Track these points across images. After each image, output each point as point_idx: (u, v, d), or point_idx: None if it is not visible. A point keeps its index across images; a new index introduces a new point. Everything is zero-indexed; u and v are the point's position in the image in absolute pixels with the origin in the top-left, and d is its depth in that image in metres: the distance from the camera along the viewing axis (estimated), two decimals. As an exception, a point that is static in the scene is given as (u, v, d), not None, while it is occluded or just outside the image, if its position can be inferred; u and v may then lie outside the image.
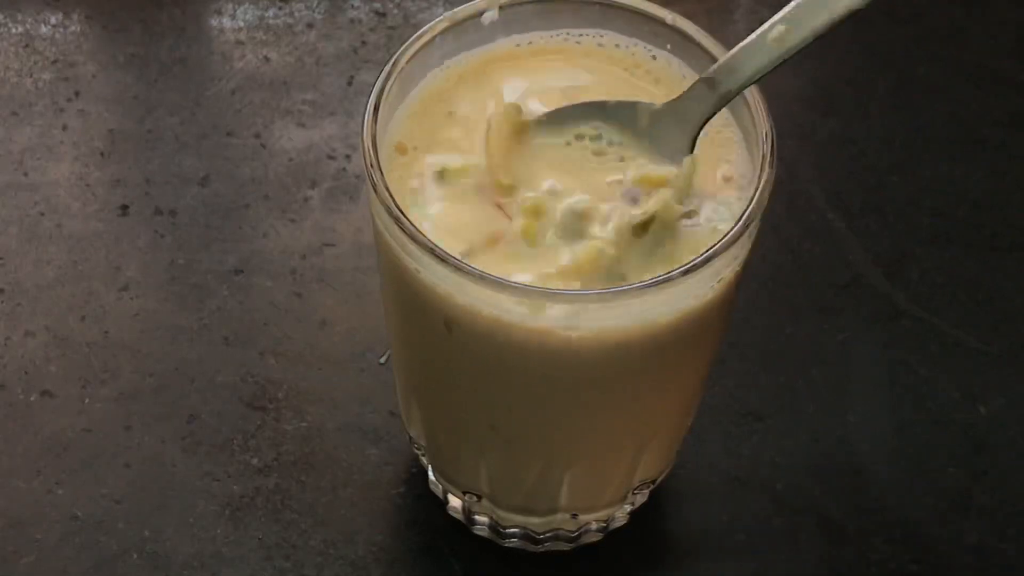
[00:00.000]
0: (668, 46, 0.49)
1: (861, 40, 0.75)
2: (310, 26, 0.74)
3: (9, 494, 0.58)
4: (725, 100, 0.46)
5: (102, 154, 0.69)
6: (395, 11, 0.75)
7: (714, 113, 0.46)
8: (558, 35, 0.50)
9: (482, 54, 0.50)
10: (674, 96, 0.47)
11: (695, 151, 0.46)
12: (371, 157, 0.45)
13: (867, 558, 0.56)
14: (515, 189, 0.46)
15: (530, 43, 0.50)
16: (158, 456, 0.59)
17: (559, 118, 0.48)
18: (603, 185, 0.46)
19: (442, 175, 0.47)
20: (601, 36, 0.50)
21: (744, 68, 0.45)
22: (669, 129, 0.47)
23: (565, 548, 0.56)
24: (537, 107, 0.48)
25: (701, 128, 0.46)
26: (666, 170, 0.46)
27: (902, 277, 0.65)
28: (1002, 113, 0.71)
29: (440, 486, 0.57)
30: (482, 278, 0.42)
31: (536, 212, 0.45)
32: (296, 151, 0.69)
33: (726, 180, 0.47)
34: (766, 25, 0.44)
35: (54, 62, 0.73)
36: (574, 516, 0.54)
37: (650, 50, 0.50)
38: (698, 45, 0.48)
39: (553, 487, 0.52)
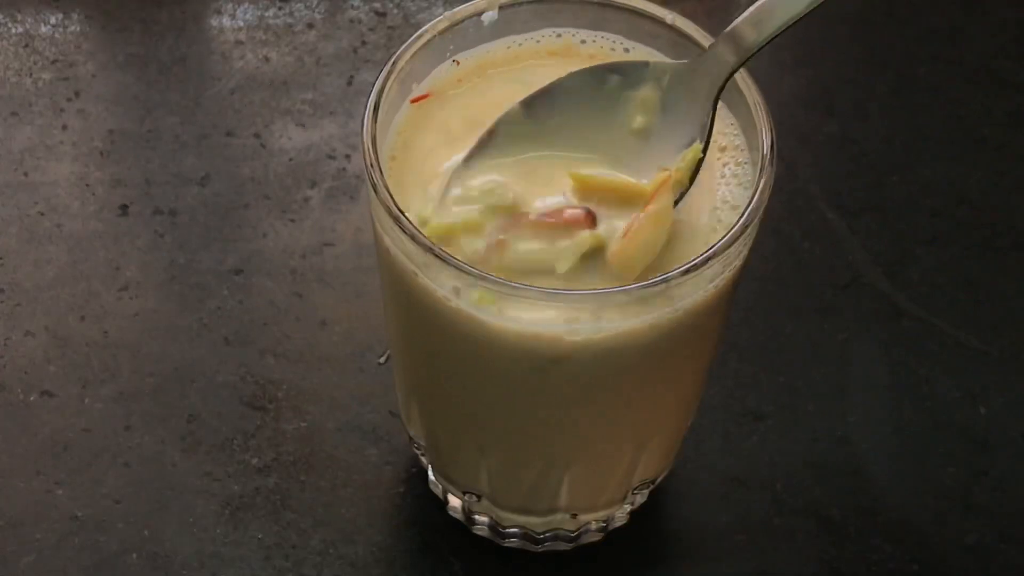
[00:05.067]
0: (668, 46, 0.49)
1: (861, 40, 0.75)
2: (310, 26, 0.74)
3: (9, 494, 0.58)
4: (748, 55, 0.44)
5: (102, 154, 0.69)
6: (395, 11, 0.75)
7: (735, 71, 0.45)
8: (558, 35, 0.50)
9: (482, 54, 0.50)
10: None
11: (714, 114, 0.46)
12: (371, 157, 0.45)
13: (867, 558, 0.57)
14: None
15: (530, 43, 0.50)
16: (158, 456, 0.59)
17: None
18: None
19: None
20: (601, 36, 0.50)
21: (774, 18, 0.44)
22: (685, 91, 0.46)
23: (565, 548, 0.56)
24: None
25: (721, 89, 0.45)
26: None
27: (902, 277, 0.65)
28: (1002, 113, 0.71)
29: (440, 486, 0.57)
30: (482, 278, 0.42)
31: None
32: (296, 151, 0.69)
33: (724, 178, 0.47)
34: None
35: (54, 62, 0.73)
36: (574, 516, 0.54)
37: (650, 51, 0.50)
38: (698, 45, 0.48)
39: (553, 487, 0.52)
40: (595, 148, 0.47)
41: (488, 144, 0.47)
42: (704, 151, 0.46)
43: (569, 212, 0.45)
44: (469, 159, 0.47)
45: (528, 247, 0.45)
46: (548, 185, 0.46)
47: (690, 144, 0.46)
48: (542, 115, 0.47)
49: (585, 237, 0.44)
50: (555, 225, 0.45)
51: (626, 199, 0.45)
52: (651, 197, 0.45)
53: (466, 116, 0.48)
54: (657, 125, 0.47)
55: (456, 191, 0.46)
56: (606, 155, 0.47)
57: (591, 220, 0.45)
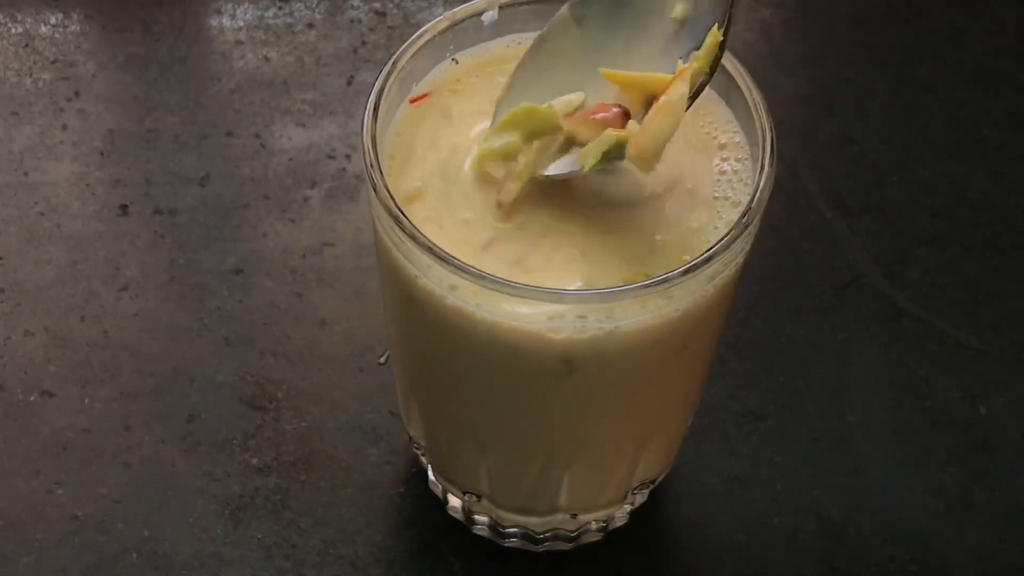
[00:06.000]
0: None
1: (861, 40, 0.75)
2: (310, 26, 0.74)
3: (9, 494, 0.58)
4: None
5: (102, 154, 0.69)
6: (395, 11, 0.75)
7: None
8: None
9: (481, 54, 0.50)
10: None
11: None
12: (371, 157, 0.45)
13: (867, 558, 0.56)
14: None
15: (529, 43, 0.50)
16: (158, 456, 0.59)
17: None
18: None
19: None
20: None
21: None
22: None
23: (565, 548, 0.56)
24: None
25: None
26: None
27: (902, 277, 0.65)
28: (1002, 113, 0.71)
29: (440, 486, 0.57)
30: (481, 278, 0.42)
31: None
32: (296, 151, 0.69)
33: (724, 177, 0.47)
34: None
35: (54, 62, 0.73)
36: (574, 516, 0.54)
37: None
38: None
39: (553, 487, 0.52)
40: (641, 41, 0.47)
41: (538, 50, 0.47)
42: (725, 35, 0.45)
43: (601, 112, 0.45)
44: (520, 69, 0.47)
45: (554, 150, 0.45)
46: (589, 87, 0.46)
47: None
48: (587, 13, 0.47)
49: (608, 134, 0.44)
50: (589, 125, 0.45)
51: (656, 93, 0.45)
52: (665, 87, 0.44)
53: (466, 116, 0.48)
54: (692, 13, 0.46)
55: (496, 120, 0.46)
56: (649, 49, 0.47)
57: (625, 118, 0.45)
